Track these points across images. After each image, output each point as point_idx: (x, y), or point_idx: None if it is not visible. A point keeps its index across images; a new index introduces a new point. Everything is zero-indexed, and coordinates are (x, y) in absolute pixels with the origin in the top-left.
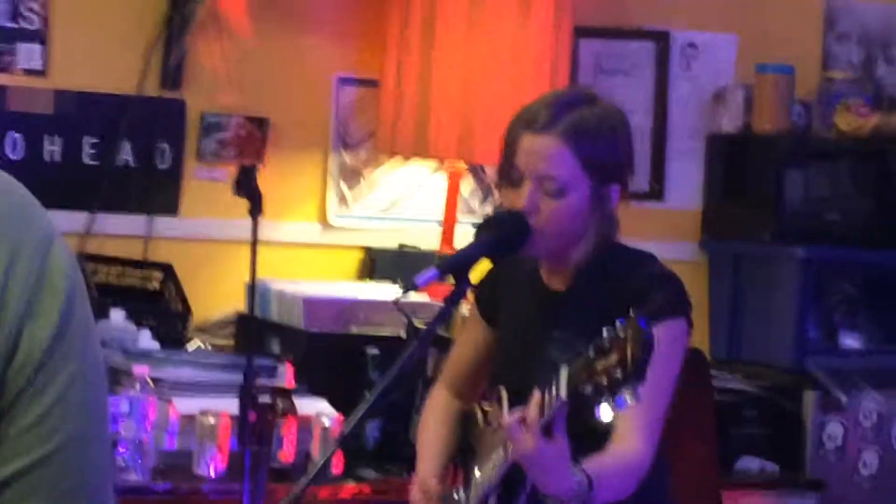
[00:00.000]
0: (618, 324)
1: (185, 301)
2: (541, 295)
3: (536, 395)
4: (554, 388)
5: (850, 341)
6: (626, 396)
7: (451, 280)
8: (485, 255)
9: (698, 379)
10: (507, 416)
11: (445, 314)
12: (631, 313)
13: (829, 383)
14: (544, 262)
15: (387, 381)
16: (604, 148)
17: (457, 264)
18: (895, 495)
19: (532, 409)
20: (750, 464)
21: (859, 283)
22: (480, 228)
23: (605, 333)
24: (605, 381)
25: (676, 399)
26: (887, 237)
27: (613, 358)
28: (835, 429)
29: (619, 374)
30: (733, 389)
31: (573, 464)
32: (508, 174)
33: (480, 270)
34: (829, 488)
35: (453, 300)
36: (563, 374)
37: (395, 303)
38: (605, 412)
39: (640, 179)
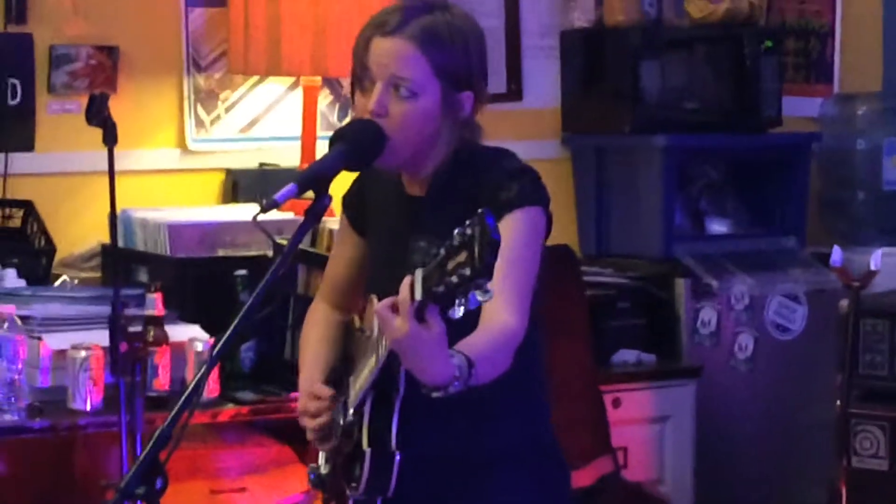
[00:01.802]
0: (467, 222)
1: (48, 237)
2: (402, 202)
3: (406, 280)
4: (409, 292)
5: (717, 226)
6: (477, 295)
7: (310, 194)
8: (341, 166)
9: (568, 276)
10: (380, 303)
11: (306, 229)
12: (479, 211)
13: (699, 270)
14: (403, 171)
15: (253, 300)
16: (455, 55)
17: (314, 178)
18: (771, 376)
19: (403, 293)
20: (626, 356)
21: (722, 168)
22: (334, 139)
23: (455, 233)
24: (455, 280)
25: (548, 298)
26: (746, 121)
27: (462, 256)
28: (708, 314)
29: (467, 272)
30: (605, 283)
31: (450, 348)
32: (360, 80)
33: (345, 182)
34: (706, 374)
35: (314, 215)
36: (418, 275)
37: (255, 221)
38: (458, 312)
39: (498, 81)
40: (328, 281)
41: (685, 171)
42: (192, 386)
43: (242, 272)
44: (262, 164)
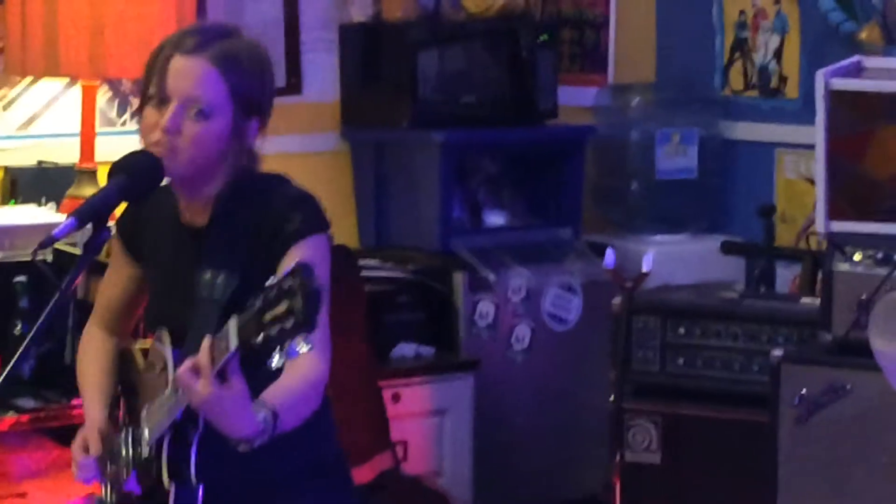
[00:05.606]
0: (283, 274)
1: None
2: (182, 232)
3: (206, 341)
4: (223, 341)
5: (495, 219)
6: (298, 346)
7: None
8: (119, 199)
9: (345, 275)
10: (180, 367)
11: (84, 264)
12: (298, 263)
13: (476, 263)
14: (182, 196)
15: (31, 341)
16: (252, 80)
17: (93, 211)
18: (547, 366)
19: (203, 357)
20: (405, 350)
21: (500, 161)
22: (113, 171)
23: (272, 282)
24: (275, 331)
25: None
26: (523, 113)
27: (282, 308)
28: (486, 307)
29: (289, 324)
30: (384, 278)
31: (254, 401)
32: (154, 96)
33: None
34: (484, 367)
35: (92, 248)
36: (233, 325)
37: (34, 258)
38: (277, 361)
39: (277, 74)
40: (102, 306)
41: (463, 165)
42: None
43: (22, 279)
44: (40, 162)
